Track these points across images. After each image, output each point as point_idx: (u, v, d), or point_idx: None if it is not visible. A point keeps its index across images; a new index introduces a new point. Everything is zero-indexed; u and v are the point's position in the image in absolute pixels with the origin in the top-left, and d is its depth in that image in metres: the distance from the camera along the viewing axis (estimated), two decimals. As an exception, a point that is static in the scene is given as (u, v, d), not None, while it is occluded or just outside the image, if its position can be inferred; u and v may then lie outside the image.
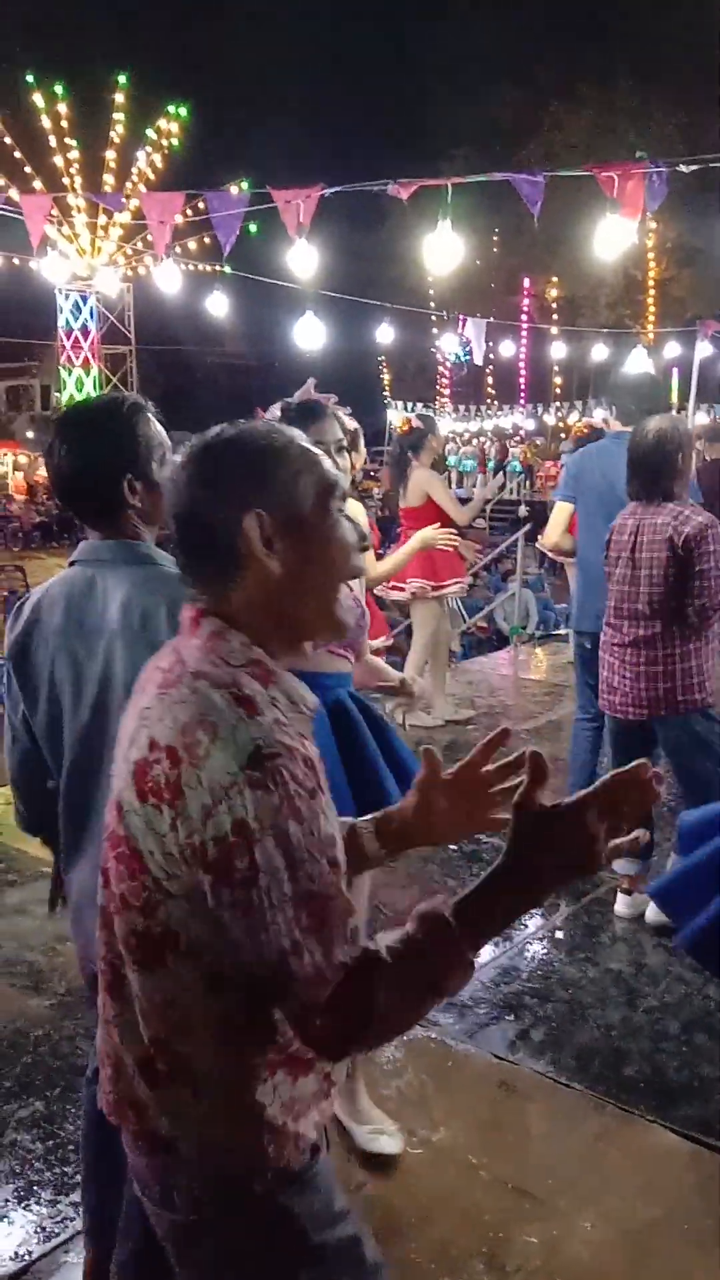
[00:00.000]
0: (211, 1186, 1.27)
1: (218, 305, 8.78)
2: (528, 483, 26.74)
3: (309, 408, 2.54)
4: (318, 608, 1.28)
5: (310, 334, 6.62)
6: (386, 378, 38.58)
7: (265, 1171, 1.25)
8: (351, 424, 4.95)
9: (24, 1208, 2.51)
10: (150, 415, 1.96)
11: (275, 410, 2.50)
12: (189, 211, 5.41)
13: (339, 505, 1.30)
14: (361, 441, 4.98)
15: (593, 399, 25.14)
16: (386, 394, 36.71)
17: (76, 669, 1.89)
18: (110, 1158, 1.97)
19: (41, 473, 29.36)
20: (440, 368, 37.46)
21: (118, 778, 1.25)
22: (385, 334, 11.09)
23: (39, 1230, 2.44)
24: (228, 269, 9.44)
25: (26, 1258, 2.36)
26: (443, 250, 5.65)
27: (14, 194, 5.89)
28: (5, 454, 32.48)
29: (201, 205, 5.96)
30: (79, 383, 28.13)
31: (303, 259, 5.60)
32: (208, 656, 1.21)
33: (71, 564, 1.99)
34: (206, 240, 17.76)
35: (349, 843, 1.40)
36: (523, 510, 18.27)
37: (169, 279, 7.23)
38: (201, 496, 1.24)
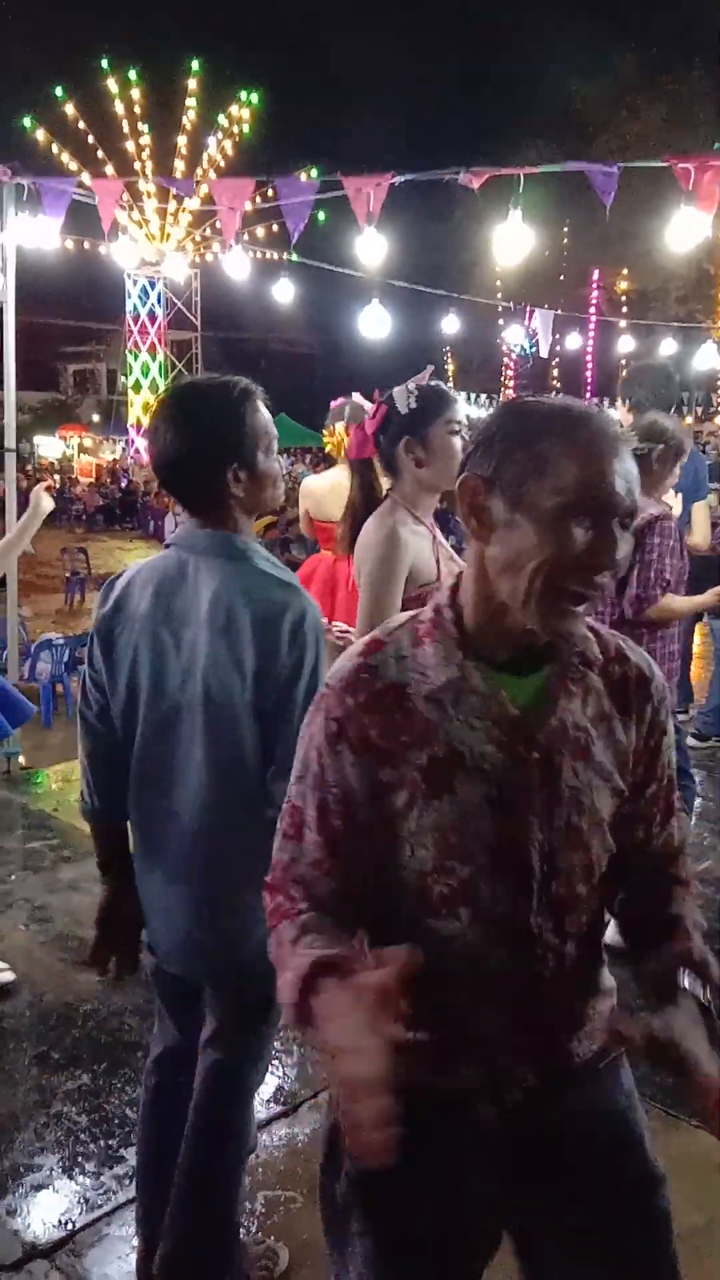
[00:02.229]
0: None
1: (284, 292, 8.78)
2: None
3: (442, 391, 2.53)
4: None
5: (376, 322, 6.59)
6: (451, 368, 38.37)
7: None
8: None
9: (68, 1178, 2.56)
10: (260, 402, 1.89)
11: (411, 384, 2.51)
12: (258, 198, 5.42)
13: None
14: None
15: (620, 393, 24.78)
16: (450, 385, 36.56)
17: (160, 655, 1.87)
18: (169, 1146, 2.03)
19: (106, 455, 29.78)
20: (505, 359, 37.18)
21: None
22: (451, 324, 10.98)
23: (82, 1201, 2.48)
24: (294, 256, 9.43)
25: (70, 1227, 2.40)
26: (512, 241, 5.60)
27: (85, 178, 5.93)
28: (72, 436, 32.93)
29: (271, 192, 5.97)
30: (144, 367, 28.41)
31: (371, 247, 5.58)
32: None
33: (167, 546, 1.97)
34: (274, 228, 17.86)
35: None
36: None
37: (237, 265, 7.25)
38: None
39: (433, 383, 2.57)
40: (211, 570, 1.86)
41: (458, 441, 2.48)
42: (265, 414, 1.90)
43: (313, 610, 1.84)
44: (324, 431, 4.88)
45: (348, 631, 4.85)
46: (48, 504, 3.70)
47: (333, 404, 4.90)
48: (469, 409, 35.24)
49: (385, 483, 2.68)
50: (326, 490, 4.95)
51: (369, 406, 4.84)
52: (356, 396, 4.87)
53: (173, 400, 1.90)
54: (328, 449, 4.87)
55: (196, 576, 1.87)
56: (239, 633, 1.80)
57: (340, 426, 4.79)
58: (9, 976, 3.40)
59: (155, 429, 1.88)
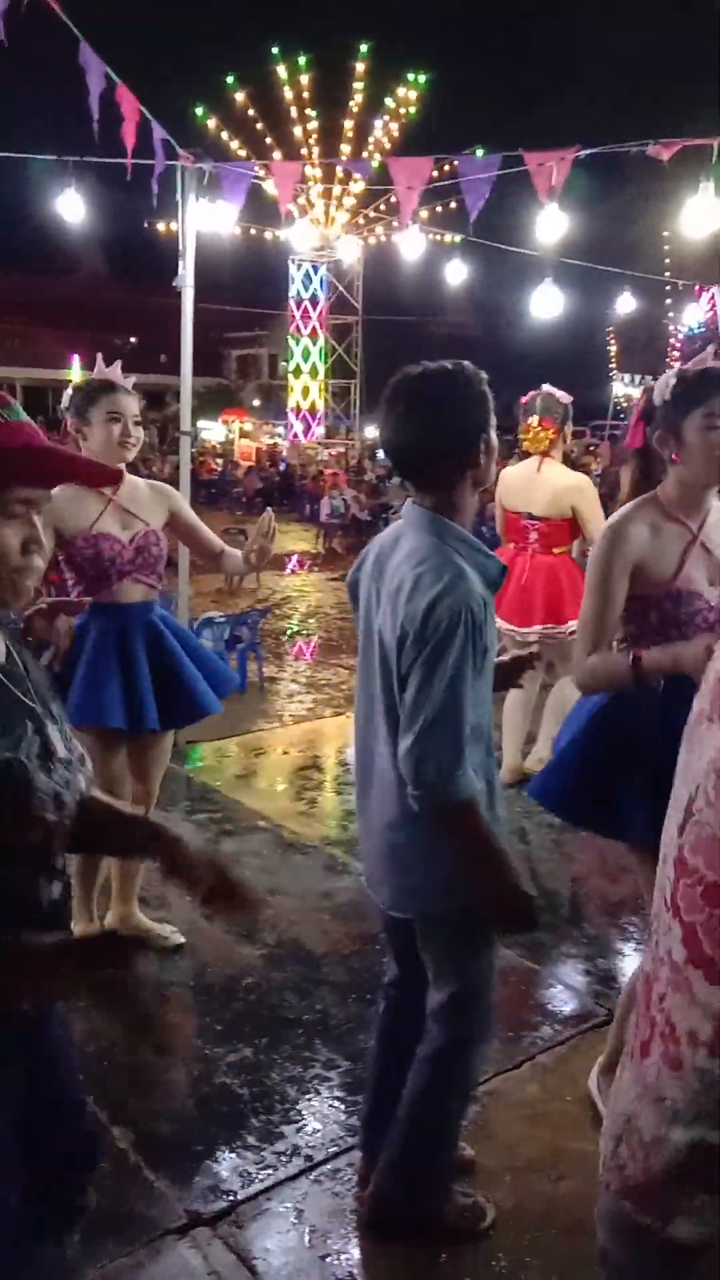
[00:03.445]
0: None
1: (456, 273, 8.68)
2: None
3: (709, 378, 2.31)
4: None
5: (548, 303, 6.43)
6: (614, 349, 37.32)
7: None
8: (565, 398, 4.78)
9: (230, 1150, 2.60)
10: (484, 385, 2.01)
11: (671, 379, 2.33)
12: (434, 175, 5.36)
13: None
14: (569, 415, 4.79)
15: None
16: (613, 366, 35.55)
17: (370, 610, 2.10)
18: (395, 1080, 2.26)
19: (265, 439, 30.35)
20: (671, 339, 35.89)
21: (712, 808, 1.03)
22: (626, 304, 10.61)
23: (244, 1174, 2.51)
24: (462, 237, 9.33)
25: (232, 1198, 2.44)
26: (701, 215, 5.35)
27: (256, 165, 6.00)
28: (234, 421, 33.70)
29: (447, 168, 5.89)
30: (305, 352, 28.80)
31: (551, 225, 5.44)
32: None
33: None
34: (439, 209, 17.73)
35: None
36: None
37: (412, 247, 7.21)
38: None
39: (707, 366, 2.34)
40: (409, 542, 2.01)
41: (717, 437, 2.26)
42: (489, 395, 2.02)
43: (453, 597, 1.87)
44: (520, 428, 4.79)
45: (514, 630, 4.79)
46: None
47: (522, 399, 4.81)
48: (628, 390, 34.22)
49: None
50: (522, 481, 4.86)
51: (562, 396, 4.76)
52: (547, 387, 4.77)
53: (416, 385, 1.98)
54: (524, 443, 4.78)
55: (400, 545, 2.04)
56: (398, 601, 1.94)
57: (535, 420, 4.70)
58: (179, 939, 3.50)
59: (399, 414, 1.97)
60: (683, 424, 2.27)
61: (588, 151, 4.97)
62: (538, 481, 4.74)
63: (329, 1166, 2.54)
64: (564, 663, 4.88)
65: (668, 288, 26.97)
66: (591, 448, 26.72)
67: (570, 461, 5.63)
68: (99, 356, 3.24)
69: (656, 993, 1.12)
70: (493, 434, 2.01)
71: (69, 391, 3.17)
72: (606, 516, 2.58)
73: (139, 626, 3.22)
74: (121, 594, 3.19)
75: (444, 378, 1.97)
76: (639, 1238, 1.16)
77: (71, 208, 6.05)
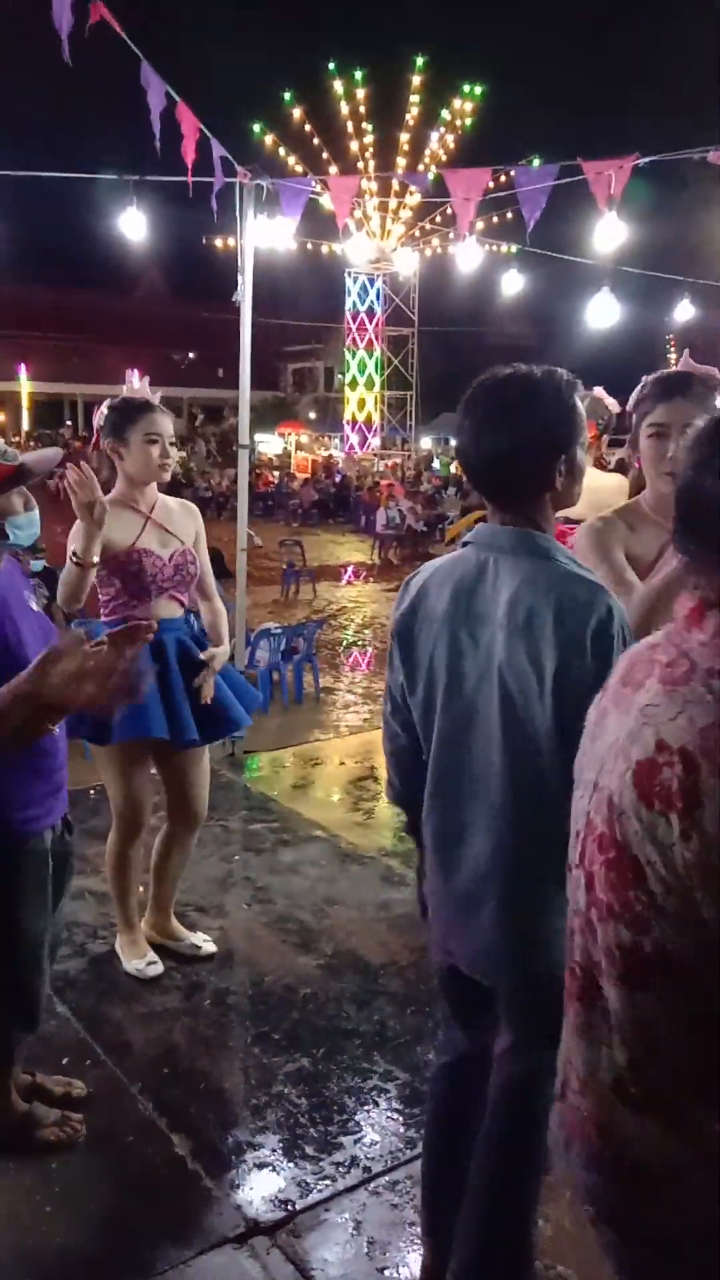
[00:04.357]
0: (683, 1220, 1.15)
1: (513, 284, 8.64)
2: None
3: (662, 382, 2.31)
4: None
5: (605, 312, 6.38)
6: (673, 357, 36.90)
7: None
8: (615, 406, 4.72)
9: (289, 1160, 2.59)
10: (580, 395, 1.84)
11: (641, 385, 2.34)
12: (490, 186, 5.36)
13: None
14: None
15: None
16: (672, 375, 35.15)
17: (457, 654, 1.85)
18: (458, 1158, 2.04)
19: (321, 453, 30.52)
20: (732, 347, 35.37)
21: (609, 774, 1.14)
22: (685, 311, 10.46)
23: (302, 1184, 2.51)
24: (519, 248, 9.33)
25: (290, 1207, 2.44)
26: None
27: (313, 180, 6.06)
28: (290, 433, 33.94)
29: (497, 181, 5.88)
30: (361, 364, 28.93)
31: (610, 233, 5.40)
32: None
33: (465, 545, 1.91)
34: (495, 219, 17.70)
35: None
36: None
37: (469, 258, 7.20)
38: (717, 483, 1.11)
39: (665, 372, 2.35)
40: (512, 569, 1.79)
41: (661, 447, 2.25)
42: (583, 408, 1.85)
43: (619, 611, 1.73)
44: None
45: None
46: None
47: None
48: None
49: None
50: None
51: (611, 403, 4.72)
52: (598, 390, 4.73)
53: (499, 390, 1.81)
54: None
55: (496, 575, 1.81)
56: (539, 633, 1.72)
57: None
58: (211, 948, 3.53)
59: (479, 420, 1.80)
60: (638, 431, 2.30)
61: (647, 159, 4.93)
62: (591, 491, 4.70)
63: (387, 1178, 2.52)
64: None
65: (728, 294, 26.63)
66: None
67: (627, 469, 5.57)
68: (132, 374, 3.28)
69: (574, 943, 1.25)
70: (579, 452, 1.82)
71: (103, 410, 3.18)
72: None
73: (173, 642, 3.25)
74: (159, 610, 3.22)
75: (525, 383, 1.79)
76: (600, 1165, 1.23)
77: (133, 226, 6.15)
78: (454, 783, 1.89)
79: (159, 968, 3.39)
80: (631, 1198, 1.20)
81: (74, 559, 2.98)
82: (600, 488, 4.65)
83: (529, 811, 1.79)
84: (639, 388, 2.34)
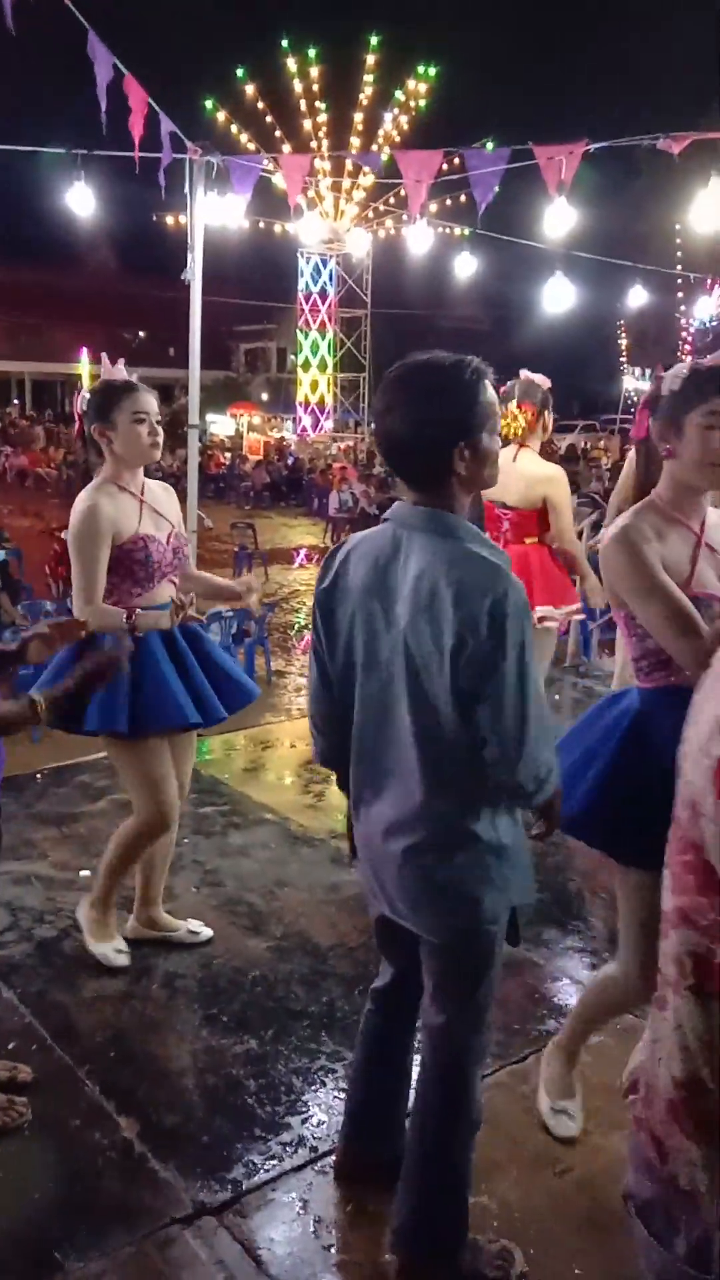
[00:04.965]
0: None
1: (465, 267, 8.65)
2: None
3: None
4: None
5: (559, 296, 6.41)
6: (624, 343, 37.19)
7: None
8: (545, 382, 4.73)
9: (236, 1141, 2.60)
10: (490, 382, 1.92)
11: (683, 370, 2.25)
12: (443, 168, 5.34)
13: None
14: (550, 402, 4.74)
15: None
16: (624, 360, 35.43)
17: (372, 625, 1.96)
18: (378, 1071, 2.35)
19: (274, 434, 30.33)
20: (683, 333, 35.77)
21: (695, 769, 1.10)
22: (637, 296, 10.56)
23: (249, 1165, 2.52)
24: (471, 230, 9.34)
25: (238, 1188, 2.45)
26: (712, 208, 5.34)
27: (264, 158, 6.00)
28: (242, 415, 33.67)
29: (457, 161, 5.87)
30: (314, 345, 28.76)
31: (560, 218, 5.42)
32: None
33: (383, 520, 2.01)
34: (448, 202, 17.68)
35: None
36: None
37: (420, 240, 7.19)
38: None
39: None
40: (422, 547, 1.89)
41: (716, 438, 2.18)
42: (493, 394, 1.92)
43: (515, 592, 1.81)
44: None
45: (547, 616, 4.76)
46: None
47: (502, 388, 4.78)
48: (639, 384, 34.10)
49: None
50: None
51: (540, 380, 4.73)
52: (525, 372, 4.74)
53: (405, 377, 1.91)
54: (501, 430, 4.75)
55: (408, 552, 1.91)
56: (439, 610, 1.82)
57: (513, 406, 4.68)
58: (208, 932, 3.53)
59: (386, 406, 1.90)
60: (685, 418, 2.20)
61: (597, 145, 4.95)
62: (512, 470, 4.69)
63: (334, 1158, 2.54)
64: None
65: (679, 281, 26.91)
66: (601, 442, 26.65)
67: (580, 455, 5.63)
68: (104, 356, 3.23)
69: (662, 949, 1.20)
70: (485, 437, 1.90)
71: (85, 395, 3.14)
72: (604, 507, 2.53)
73: (176, 625, 3.23)
74: (160, 595, 3.18)
75: (430, 371, 1.89)
76: (652, 1174, 1.20)
77: (81, 201, 6.05)
78: (373, 743, 2.02)
79: (126, 959, 3.33)
80: (674, 1213, 1.16)
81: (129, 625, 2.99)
82: (541, 477, 4.68)
83: (433, 771, 1.93)
84: (682, 378, 2.23)
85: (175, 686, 3.09)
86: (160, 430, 3.10)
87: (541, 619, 4.64)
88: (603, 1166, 2.53)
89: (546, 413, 4.69)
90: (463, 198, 13.65)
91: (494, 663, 1.79)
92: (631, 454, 2.48)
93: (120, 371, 3.17)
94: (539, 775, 1.90)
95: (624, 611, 2.33)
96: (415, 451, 1.91)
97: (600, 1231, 2.33)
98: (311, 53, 24.09)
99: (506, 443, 4.78)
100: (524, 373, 4.73)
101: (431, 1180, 2.15)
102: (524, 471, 4.65)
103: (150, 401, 3.07)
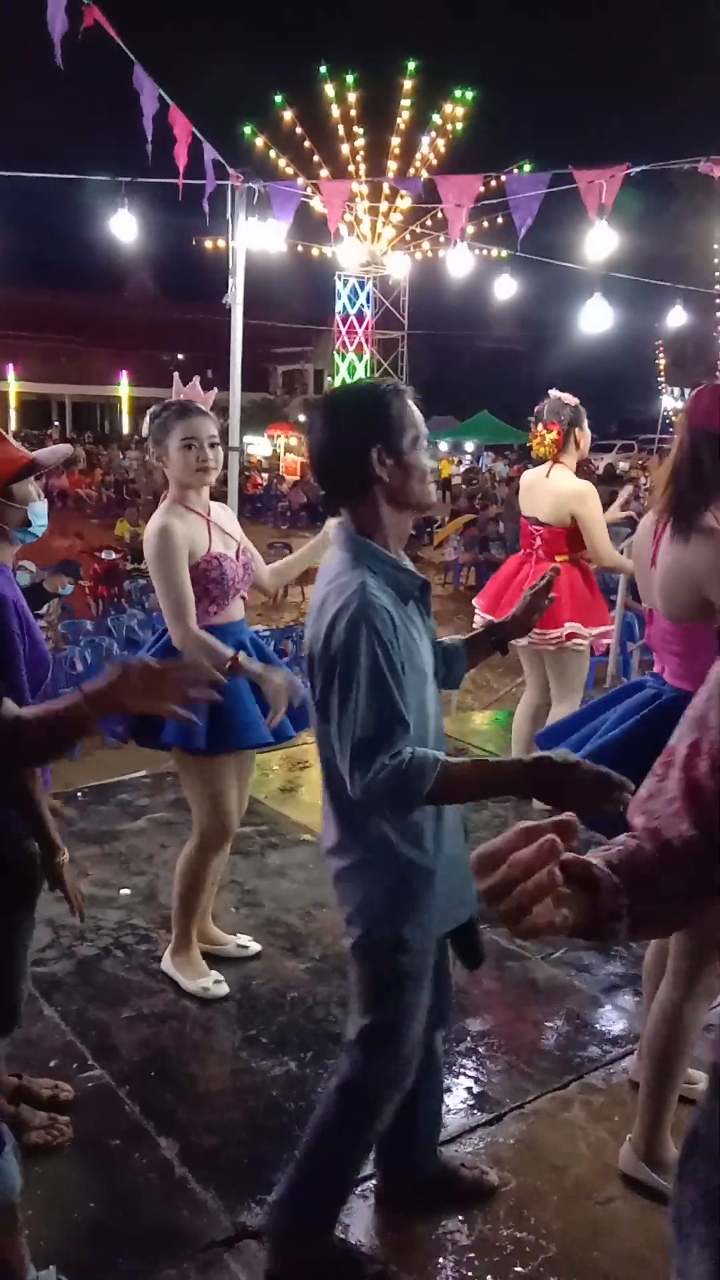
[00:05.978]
0: None
1: (504, 289, 8.68)
2: None
3: None
4: None
5: (598, 317, 6.41)
6: (662, 363, 37.04)
7: None
8: (571, 400, 4.73)
9: (276, 1164, 2.58)
10: (409, 400, 1.99)
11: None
12: (481, 191, 5.37)
13: None
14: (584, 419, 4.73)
15: None
16: (662, 380, 35.28)
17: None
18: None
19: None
20: (721, 353, 35.55)
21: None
22: (676, 317, 10.53)
23: (290, 1187, 2.51)
24: (510, 253, 9.37)
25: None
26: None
27: (301, 180, 6.08)
28: (279, 436, 33.90)
29: (486, 188, 5.89)
30: (351, 367, 28.86)
31: (601, 241, 5.43)
32: None
33: None
34: (484, 224, 17.74)
35: None
36: None
37: (460, 264, 7.24)
38: None
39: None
40: (328, 565, 2.04)
41: None
42: (415, 411, 1.99)
43: (351, 611, 1.84)
44: (530, 433, 4.82)
45: (576, 634, 4.73)
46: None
47: (536, 408, 4.81)
48: (677, 404, 33.92)
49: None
50: (527, 486, 4.90)
51: (567, 398, 4.74)
52: (554, 392, 4.76)
53: (326, 399, 2.11)
54: (532, 449, 4.78)
55: (324, 572, 2.06)
56: (313, 621, 1.97)
57: (540, 426, 4.71)
58: (256, 946, 3.57)
59: (309, 427, 2.05)
60: None
61: (638, 169, 4.96)
62: (544, 487, 4.72)
63: (374, 1182, 2.53)
64: (560, 679, 4.79)
65: (718, 300, 26.76)
66: (641, 462, 26.51)
67: (618, 475, 5.61)
68: (175, 376, 3.27)
69: None
70: (405, 446, 1.95)
71: (147, 419, 3.20)
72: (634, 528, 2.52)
73: (249, 642, 3.25)
74: (235, 612, 3.22)
75: (345, 390, 2.11)
76: None
77: (124, 227, 6.15)
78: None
79: (225, 988, 3.32)
80: None
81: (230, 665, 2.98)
82: (569, 493, 4.67)
83: (328, 787, 2.04)
84: None
85: (252, 706, 3.09)
86: (212, 453, 3.11)
87: (571, 636, 4.62)
88: (648, 1198, 2.49)
89: (577, 430, 4.69)
90: (500, 219, 13.72)
91: (329, 674, 1.88)
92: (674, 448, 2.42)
93: (189, 392, 3.20)
94: (380, 785, 1.81)
95: (700, 621, 2.31)
96: (334, 458, 2.00)
97: (641, 1266, 2.30)
98: (349, 78, 24.33)
99: (538, 461, 4.80)
100: (552, 392, 4.75)
101: (309, 1175, 2.22)
102: (554, 488, 4.68)
103: (200, 426, 3.08)
